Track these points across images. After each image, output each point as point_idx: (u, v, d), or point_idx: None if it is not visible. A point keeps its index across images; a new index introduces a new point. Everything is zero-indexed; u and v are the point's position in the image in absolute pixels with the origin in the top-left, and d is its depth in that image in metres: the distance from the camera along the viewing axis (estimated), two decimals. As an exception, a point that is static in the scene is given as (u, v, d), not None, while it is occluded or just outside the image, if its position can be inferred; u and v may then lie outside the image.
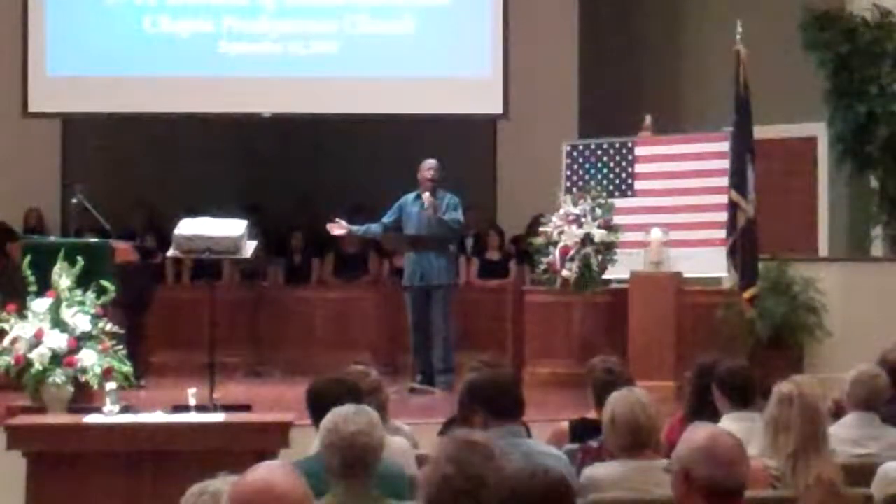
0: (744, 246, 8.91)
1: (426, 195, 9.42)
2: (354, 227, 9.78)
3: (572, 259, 9.45)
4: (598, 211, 9.57)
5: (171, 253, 8.31)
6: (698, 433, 3.08)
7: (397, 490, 3.92)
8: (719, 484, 2.95)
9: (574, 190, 10.00)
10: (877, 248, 10.56)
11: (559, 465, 4.17)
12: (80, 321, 7.25)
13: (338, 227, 9.70)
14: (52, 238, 9.96)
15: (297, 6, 11.85)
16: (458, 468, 3.01)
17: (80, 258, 7.44)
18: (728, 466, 2.97)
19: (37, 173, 12.02)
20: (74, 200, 9.38)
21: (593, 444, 4.65)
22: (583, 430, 5.04)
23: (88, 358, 7.14)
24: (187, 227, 8.12)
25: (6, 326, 7.21)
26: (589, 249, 9.44)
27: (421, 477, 3.13)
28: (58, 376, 7.06)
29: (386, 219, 9.65)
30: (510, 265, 11.52)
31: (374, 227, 9.77)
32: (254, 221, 9.05)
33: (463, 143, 11.84)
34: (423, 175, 9.49)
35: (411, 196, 9.58)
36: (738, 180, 9.01)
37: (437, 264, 9.46)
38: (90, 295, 7.37)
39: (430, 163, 9.57)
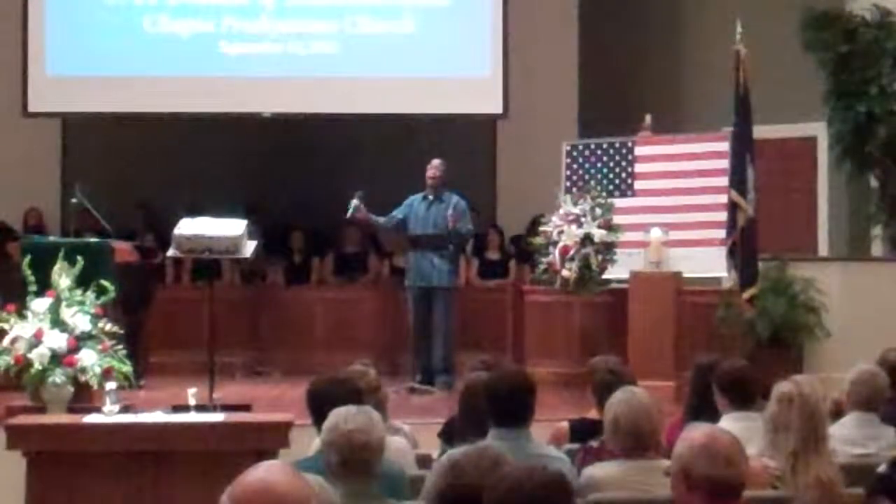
0: (744, 246, 8.90)
1: (450, 215, 9.41)
2: (374, 217, 9.68)
3: (572, 259, 9.46)
4: (598, 211, 9.58)
5: (171, 253, 8.31)
6: (696, 433, 3.08)
7: (397, 490, 3.93)
8: (719, 482, 2.95)
9: (574, 190, 10.00)
10: (877, 248, 10.56)
11: (560, 466, 4.18)
12: (80, 321, 7.25)
13: (361, 214, 9.56)
14: (52, 238, 9.95)
15: (297, 6, 11.85)
16: (463, 475, 2.99)
17: (80, 258, 7.44)
18: (727, 464, 2.97)
19: (37, 173, 12.02)
20: (74, 200, 9.38)
21: (593, 444, 4.65)
22: (583, 430, 5.04)
23: (88, 358, 7.14)
24: (187, 227, 8.12)
25: (6, 326, 7.21)
26: (589, 249, 9.44)
27: (426, 483, 3.12)
28: (58, 376, 7.05)
29: (399, 213, 9.64)
30: (510, 265, 11.52)
31: (385, 220, 9.70)
32: (254, 221, 9.05)
33: (463, 143, 11.84)
34: (427, 174, 9.56)
35: (418, 196, 9.62)
36: (738, 180, 9.00)
37: (438, 265, 9.48)
38: (90, 295, 7.37)
39: (435, 162, 9.64)
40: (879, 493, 4.09)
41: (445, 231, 9.48)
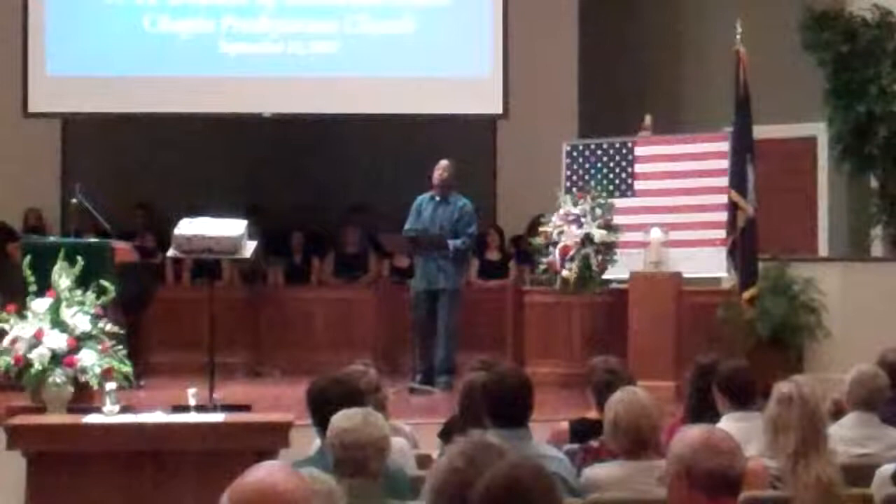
0: (744, 246, 8.91)
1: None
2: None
3: (572, 259, 9.45)
4: (598, 211, 9.58)
5: (171, 253, 8.31)
6: (692, 432, 3.09)
7: (398, 490, 3.93)
8: (723, 475, 2.95)
9: (574, 190, 10.00)
10: (877, 248, 10.56)
11: (560, 467, 4.18)
12: (80, 321, 7.25)
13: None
14: (52, 238, 9.95)
15: (297, 6, 11.85)
16: (466, 469, 2.99)
17: (80, 258, 7.43)
18: (730, 456, 2.98)
19: (37, 173, 12.01)
20: (74, 200, 9.37)
21: (593, 444, 4.65)
22: (583, 430, 5.04)
23: (88, 358, 7.14)
24: (187, 227, 8.12)
25: (6, 326, 7.20)
26: (589, 249, 9.44)
27: (428, 477, 3.11)
28: (58, 376, 7.05)
29: (410, 226, 9.65)
30: (510, 265, 11.51)
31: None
32: (254, 221, 9.05)
33: (463, 143, 11.83)
34: (435, 175, 9.57)
35: (426, 197, 9.63)
36: (738, 180, 9.01)
37: (444, 267, 9.47)
38: (90, 295, 7.37)
39: (442, 163, 9.63)
40: None
41: (450, 235, 9.46)
